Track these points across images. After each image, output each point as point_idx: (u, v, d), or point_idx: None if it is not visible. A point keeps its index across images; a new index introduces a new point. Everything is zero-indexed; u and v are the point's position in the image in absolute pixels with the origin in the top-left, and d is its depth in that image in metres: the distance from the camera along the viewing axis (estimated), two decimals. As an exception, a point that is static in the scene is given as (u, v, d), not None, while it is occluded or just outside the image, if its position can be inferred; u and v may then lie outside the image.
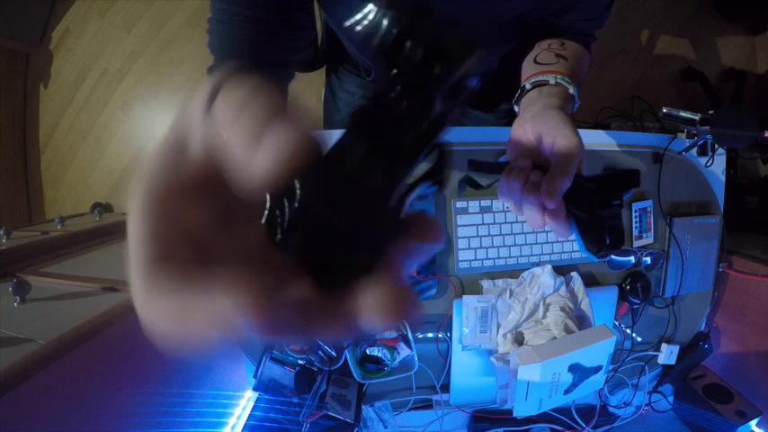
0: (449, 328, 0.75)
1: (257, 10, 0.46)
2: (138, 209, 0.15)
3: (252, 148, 0.13)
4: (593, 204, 0.35)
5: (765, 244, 0.93)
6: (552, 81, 0.49)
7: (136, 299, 0.14)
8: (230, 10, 0.46)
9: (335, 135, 0.14)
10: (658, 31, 1.77)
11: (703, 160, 0.81)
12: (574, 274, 0.75)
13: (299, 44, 0.52)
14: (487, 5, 0.54)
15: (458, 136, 0.72)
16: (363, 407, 0.75)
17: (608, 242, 0.34)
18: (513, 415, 0.63)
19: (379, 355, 0.72)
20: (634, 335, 0.82)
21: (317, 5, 0.55)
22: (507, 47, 0.68)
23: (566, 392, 0.65)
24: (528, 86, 0.51)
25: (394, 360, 0.73)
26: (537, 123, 0.42)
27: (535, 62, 0.55)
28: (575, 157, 0.36)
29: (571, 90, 0.48)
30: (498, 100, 0.89)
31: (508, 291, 0.73)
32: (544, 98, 0.47)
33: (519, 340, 0.71)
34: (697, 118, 0.74)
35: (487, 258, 0.73)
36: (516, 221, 0.73)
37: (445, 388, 0.78)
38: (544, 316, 0.71)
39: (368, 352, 0.72)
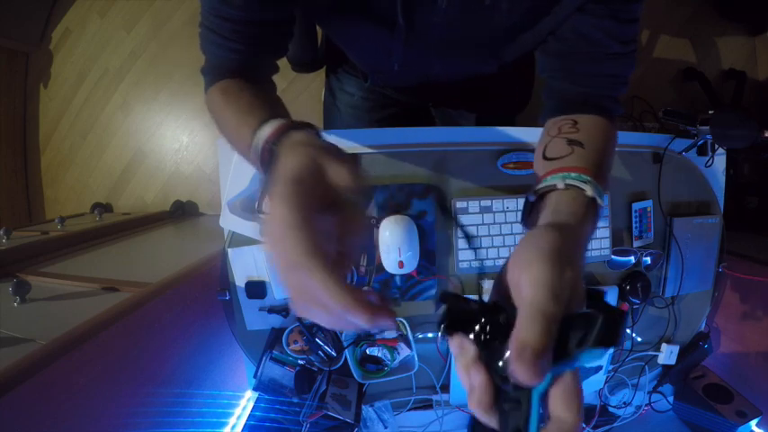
0: (449, 328, 0.75)
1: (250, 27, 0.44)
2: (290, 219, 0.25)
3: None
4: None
5: (765, 244, 0.93)
6: (560, 185, 0.37)
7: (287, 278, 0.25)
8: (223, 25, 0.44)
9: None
10: (658, 31, 1.77)
11: (703, 160, 0.81)
12: (574, 274, 0.74)
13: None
14: (474, 23, 0.51)
15: (451, 135, 0.72)
16: (363, 407, 0.75)
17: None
18: (513, 415, 0.63)
19: (379, 355, 0.72)
20: (634, 335, 0.82)
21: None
22: (500, 61, 0.61)
23: (566, 392, 0.65)
24: (531, 198, 0.39)
25: (394, 360, 0.73)
26: (514, 261, 0.29)
27: (544, 158, 0.43)
28: (537, 314, 0.24)
29: (588, 191, 0.36)
30: (496, 101, 0.89)
31: (508, 291, 0.72)
32: (547, 216, 0.35)
33: (519, 340, 0.71)
34: (697, 118, 0.74)
35: (487, 258, 0.73)
36: (516, 222, 0.72)
37: (445, 388, 0.78)
38: (544, 316, 0.71)
39: (368, 352, 0.72)
